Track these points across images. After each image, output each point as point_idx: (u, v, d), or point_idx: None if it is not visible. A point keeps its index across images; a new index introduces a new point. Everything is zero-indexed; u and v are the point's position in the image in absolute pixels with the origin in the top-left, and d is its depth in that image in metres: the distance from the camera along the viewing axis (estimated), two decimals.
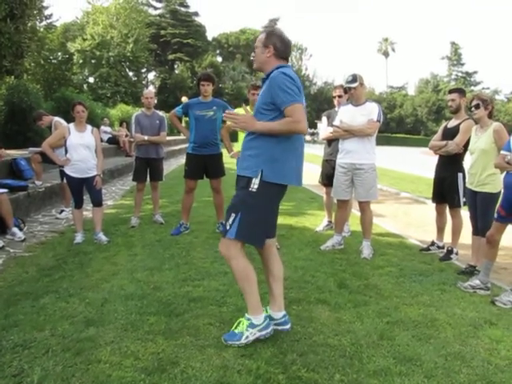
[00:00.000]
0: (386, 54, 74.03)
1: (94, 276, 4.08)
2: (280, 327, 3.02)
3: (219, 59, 56.30)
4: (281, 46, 2.94)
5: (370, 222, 5.13)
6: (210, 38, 56.94)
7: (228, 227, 2.84)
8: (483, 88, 65.74)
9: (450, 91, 5.10)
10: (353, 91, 4.91)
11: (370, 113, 4.90)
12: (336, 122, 5.12)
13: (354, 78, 4.86)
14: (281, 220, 6.23)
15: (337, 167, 5.15)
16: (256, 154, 2.85)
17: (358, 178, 4.95)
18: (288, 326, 3.04)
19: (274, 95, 2.79)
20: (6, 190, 5.55)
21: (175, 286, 3.82)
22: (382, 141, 47.00)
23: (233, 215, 2.83)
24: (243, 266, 2.86)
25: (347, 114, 5.01)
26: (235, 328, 2.91)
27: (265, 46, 2.94)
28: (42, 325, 3.05)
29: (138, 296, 3.58)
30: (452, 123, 5.00)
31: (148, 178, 6.39)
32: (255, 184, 2.80)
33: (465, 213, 4.93)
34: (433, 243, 5.31)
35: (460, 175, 4.86)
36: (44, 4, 13.17)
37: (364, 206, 5.04)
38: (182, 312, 3.27)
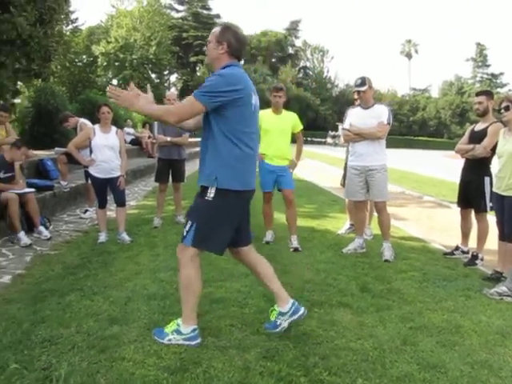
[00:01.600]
0: (409, 56, 73.14)
1: (118, 275, 4.14)
2: (295, 317, 3.01)
3: (241, 61, 56.49)
4: (235, 44, 2.84)
5: (388, 224, 5.11)
6: None
7: (185, 233, 2.82)
8: (510, 90, 64.34)
9: (478, 93, 5.02)
10: (362, 94, 4.93)
11: (379, 115, 4.89)
12: (345, 126, 5.14)
13: (363, 82, 4.87)
14: (302, 222, 6.27)
15: (349, 169, 5.17)
16: (210, 161, 2.80)
17: (371, 178, 4.96)
18: (302, 312, 3.03)
19: None
20: (33, 190, 5.68)
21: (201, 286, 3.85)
22: (404, 144, 46.68)
23: (189, 223, 2.81)
24: (188, 276, 2.85)
25: (357, 117, 5.02)
26: (166, 326, 2.93)
27: (218, 42, 2.83)
28: (67, 321, 3.12)
29: (161, 296, 3.62)
30: (479, 126, 4.92)
31: (170, 179, 6.45)
32: (211, 193, 2.74)
33: (491, 217, 4.84)
34: (457, 248, 5.22)
35: (487, 179, 4.76)
36: (71, 8, 13.41)
37: (381, 207, 5.03)
38: (204, 313, 3.29)
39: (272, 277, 3.07)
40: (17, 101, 13.76)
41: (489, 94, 4.97)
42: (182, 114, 2.75)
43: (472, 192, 4.86)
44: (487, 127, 4.75)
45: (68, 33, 20.82)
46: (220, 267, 4.36)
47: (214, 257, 4.69)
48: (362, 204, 5.23)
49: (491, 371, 2.68)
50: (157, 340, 2.87)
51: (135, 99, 2.74)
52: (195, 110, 2.73)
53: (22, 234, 5.13)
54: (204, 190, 2.79)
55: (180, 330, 2.86)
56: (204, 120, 2.84)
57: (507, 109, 4.23)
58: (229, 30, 2.87)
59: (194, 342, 2.84)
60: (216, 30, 2.90)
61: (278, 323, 3.01)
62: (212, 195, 2.74)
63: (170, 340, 2.85)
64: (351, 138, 5.06)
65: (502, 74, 69.33)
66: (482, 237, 4.89)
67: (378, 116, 4.88)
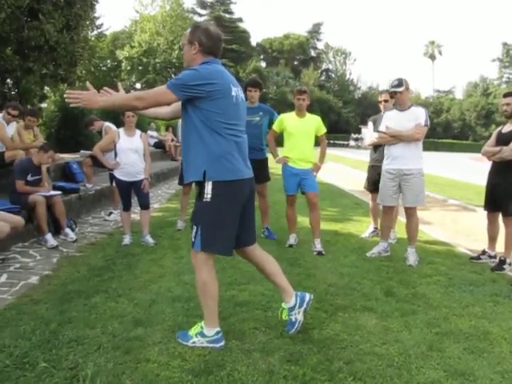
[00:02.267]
0: (432, 58, 72.11)
1: (142, 277, 4.19)
2: (305, 305, 3.04)
3: (263, 64, 56.70)
4: (207, 41, 2.81)
5: (416, 229, 5.02)
6: (253, 44, 57.49)
7: (193, 239, 2.83)
8: None
9: (505, 95, 4.91)
10: (398, 95, 4.83)
11: (416, 118, 4.80)
12: (382, 128, 5.04)
13: (400, 83, 4.78)
14: (325, 226, 6.22)
15: (383, 173, 5.06)
16: (195, 155, 2.79)
17: (406, 183, 4.84)
18: (308, 297, 3.07)
19: None
20: (60, 193, 5.80)
21: (221, 289, 3.81)
22: (428, 146, 45.75)
23: (194, 227, 2.82)
24: (203, 280, 2.85)
25: (393, 120, 4.92)
26: (191, 329, 2.94)
27: (190, 43, 2.83)
28: (93, 322, 3.17)
29: (185, 298, 3.64)
30: (507, 128, 4.82)
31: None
32: (208, 194, 2.74)
33: None
34: (484, 252, 5.11)
35: None
36: (96, 14, 13.66)
37: (411, 212, 4.93)
38: (227, 316, 3.30)
39: (278, 272, 3.09)
40: (44, 105, 14.09)
41: None
42: (150, 100, 2.75)
43: (500, 195, 4.76)
44: None
45: (93, 38, 21.16)
46: (242, 270, 4.37)
47: (235, 260, 4.72)
48: (391, 209, 5.15)
49: None
50: (181, 343, 2.89)
51: (96, 96, 2.75)
52: (165, 99, 2.74)
53: (48, 236, 5.24)
54: (200, 192, 2.80)
55: (204, 333, 2.88)
56: (184, 115, 2.83)
57: None
58: (198, 28, 2.87)
59: (218, 345, 2.85)
60: (187, 31, 2.91)
61: (294, 319, 3.03)
62: (209, 196, 2.74)
63: (194, 343, 2.87)
64: (387, 141, 4.96)
65: None
66: (510, 241, 4.78)
67: (415, 118, 4.79)
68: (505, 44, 68.16)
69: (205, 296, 2.89)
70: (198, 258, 2.86)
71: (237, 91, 2.87)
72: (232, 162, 2.79)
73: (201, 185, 2.79)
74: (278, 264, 3.14)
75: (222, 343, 2.87)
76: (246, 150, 2.94)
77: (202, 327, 2.90)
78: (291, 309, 3.03)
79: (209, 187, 2.75)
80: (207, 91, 2.69)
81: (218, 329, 2.90)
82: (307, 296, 3.08)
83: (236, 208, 2.85)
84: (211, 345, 2.85)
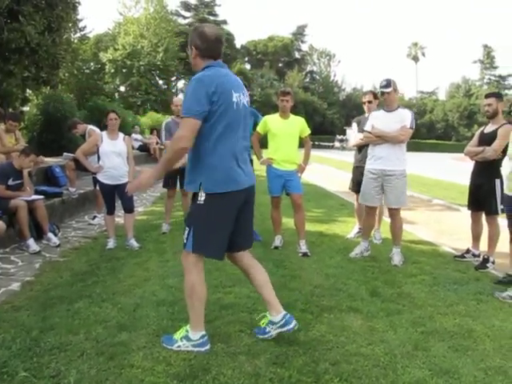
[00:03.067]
0: (415, 59, 72.72)
1: (126, 281, 4.14)
2: (284, 329, 2.94)
3: (248, 67, 56.71)
4: (202, 44, 2.74)
5: (400, 229, 5.06)
6: (238, 46, 57.48)
7: (185, 240, 2.81)
8: None
9: (487, 95, 4.97)
10: (386, 96, 4.85)
11: (402, 119, 4.83)
12: (367, 128, 5.06)
13: (388, 83, 4.80)
14: (311, 227, 6.23)
15: (366, 173, 5.09)
16: (193, 166, 2.78)
17: (388, 184, 4.87)
18: (292, 326, 2.95)
19: None
20: (42, 197, 5.71)
21: (207, 292, 3.82)
22: (412, 147, 46.02)
23: (187, 229, 2.80)
24: (192, 282, 2.83)
25: (379, 120, 4.95)
26: (175, 333, 2.91)
27: (190, 48, 2.80)
28: (76, 328, 3.11)
29: (170, 302, 3.60)
30: (489, 128, 4.88)
31: (178, 185, 6.46)
32: (202, 196, 2.72)
33: (501, 220, 4.79)
34: (468, 251, 5.17)
35: (497, 181, 4.72)
36: (79, 17, 13.52)
37: (394, 213, 4.97)
38: (213, 319, 3.27)
39: (265, 284, 3.01)
40: (26, 108, 13.92)
41: (498, 95, 4.94)
42: (189, 135, 2.64)
43: (483, 195, 4.82)
44: (497, 129, 4.72)
45: (76, 40, 20.92)
46: (228, 272, 4.34)
47: (221, 262, 4.69)
48: (373, 209, 5.19)
49: (506, 377, 2.63)
50: (165, 347, 2.85)
51: (146, 173, 2.80)
52: (196, 127, 2.64)
53: (31, 241, 5.15)
54: (195, 193, 2.79)
55: (189, 337, 2.84)
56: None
57: None
58: (193, 32, 2.81)
59: (203, 349, 2.82)
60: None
61: (267, 331, 2.98)
62: (203, 198, 2.72)
63: (179, 346, 2.84)
64: (373, 141, 4.99)
65: (510, 75, 68.80)
66: (493, 240, 4.84)
67: (401, 120, 4.82)
68: (485, 46, 69.25)
69: (192, 298, 2.85)
70: (189, 259, 2.83)
71: (238, 97, 2.78)
72: (229, 173, 2.75)
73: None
74: (267, 275, 3.06)
75: (208, 347, 2.84)
76: (245, 156, 2.89)
77: (187, 331, 2.87)
78: (272, 323, 2.97)
79: (202, 193, 2.72)
80: (212, 100, 2.63)
81: (204, 332, 2.87)
82: (293, 323, 2.96)
83: (229, 213, 2.81)
84: (196, 349, 2.82)
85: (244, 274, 3.12)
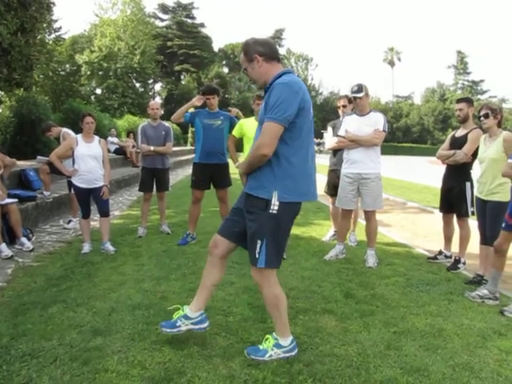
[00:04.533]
0: (391, 64, 74.05)
1: (102, 286, 4.10)
2: (197, 326, 2.96)
3: (225, 70, 56.72)
4: (264, 49, 2.74)
5: (375, 231, 5.15)
6: (216, 49, 57.44)
7: (256, 255, 2.70)
8: (490, 96, 65.56)
9: (458, 101, 5.10)
10: (358, 101, 4.93)
11: (375, 123, 4.91)
12: (341, 132, 5.14)
13: (360, 88, 4.88)
14: None
15: (342, 177, 5.16)
16: (265, 171, 2.67)
17: (364, 187, 4.95)
18: (205, 325, 2.98)
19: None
20: (15, 200, 5.60)
21: (182, 295, 3.83)
22: (388, 150, 47.01)
23: (259, 242, 2.68)
24: (273, 295, 2.80)
25: (352, 124, 5.02)
26: (262, 344, 2.87)
27: (250, 61, 2.76)
28: (50, 334, 3.07)
29: (145, 306, 3.59)
30: (460, 132, 5.00)
31: (154, 189, 6.43)
32: (275, 205, 2.63)
33: (472, 222, 4.92)
34: (440, 252, 5.29)
35: (468, 184, 4.84)
36: (53, 17, 13.33)
37: (370, 215, 5.05)
38: None
39: (211, 285, 3.00)
40: None
41: (469, 101, 5.06)
42: (272, 142, 2.57)
43: (454, 197, 4.93)
44: (467, 133, 4.84)
45: (51, 42, 20.63)
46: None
47: (197, 266, 4.70)
48: (349, 212, 5.27)
49: (472, 373, 2.72)
50: (256, 359, 2.77)
51: (242, 166, 2.85)
52: (280, 133, 2.59)
53: (3, 246, 5.05)
54: (266, 203, 2.64)
55: (280, 344, 2.82)
56: (260, 128, 2.72)
57: (486, 116, 4.33)
58: (248, 45, 2.79)
59: (293, 353, 2.84)
60: (241, 56, 2.85)
61: (178, 324, 2.94)
62: (276, 208, 2.63)
63: (270, 356, 2.79)
64: (346, 145, 5.06)
65: (482, 81, 70.88)
66: (464, 241, 4.96)
67: (374, 123, 4.90)
68: (459, 52, 71.06)
69: (278, 309, 2.81)
70: (264, 275, 2.76)
71: (309, 103, 2.72)
72: (306, 182, 2.74)
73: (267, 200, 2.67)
74: (220, 281, 3.10)
75: (297, 350, 2.86)
76: (315, 171, 2.87)
77: (275, 339, 2.84)
78: (187, 317, 2.95)
79: (275, 201, 2.64)
80: (299, 106, 2.60)
81: (292, 337, 2.89)
82: (206, 323, 2.99)
83: (293, 222, 2.85)
84: (288, 354, 2.82)
85: (208, 266, 3.00)
